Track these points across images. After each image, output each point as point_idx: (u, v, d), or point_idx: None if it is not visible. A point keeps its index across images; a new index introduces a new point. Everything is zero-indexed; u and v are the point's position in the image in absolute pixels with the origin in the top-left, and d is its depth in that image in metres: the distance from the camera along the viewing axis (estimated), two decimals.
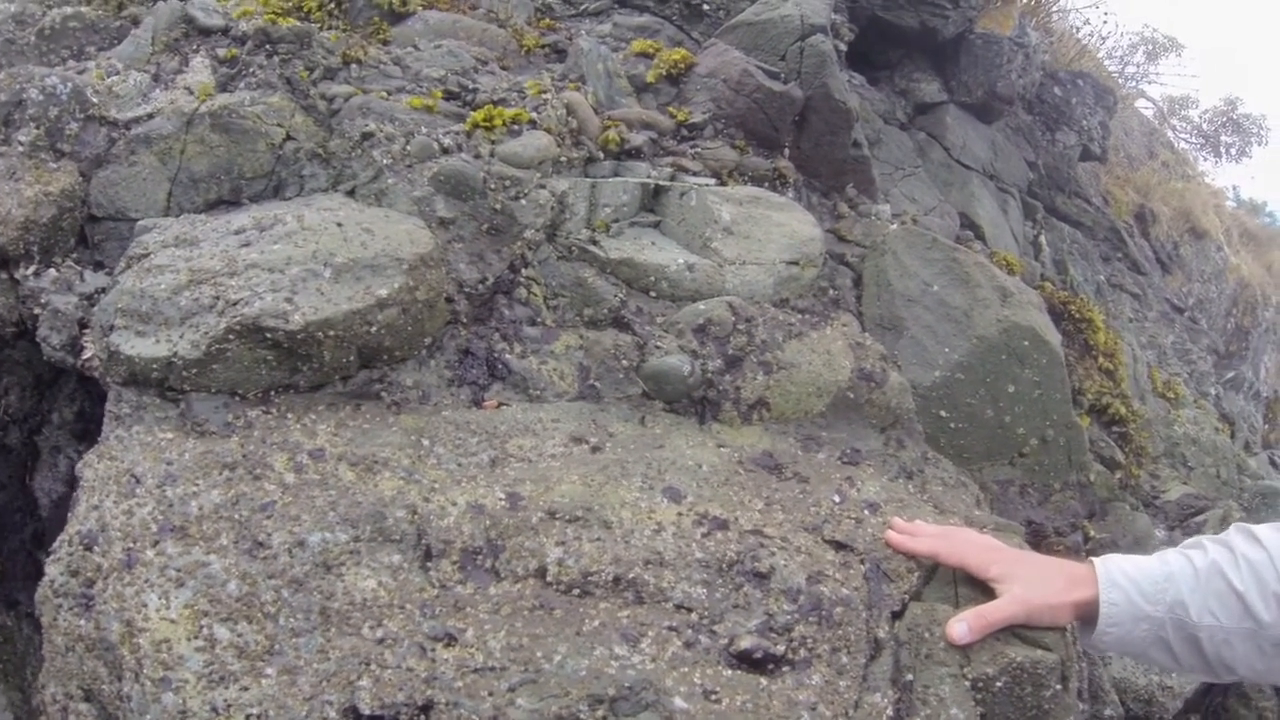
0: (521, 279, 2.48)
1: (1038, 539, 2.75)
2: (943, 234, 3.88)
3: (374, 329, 2.04)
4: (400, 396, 2.18)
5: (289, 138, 2.55)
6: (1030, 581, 1.40)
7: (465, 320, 2.38)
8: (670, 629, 1.49)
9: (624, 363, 2.31)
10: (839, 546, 1.76)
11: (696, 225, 2.65)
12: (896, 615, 1.60)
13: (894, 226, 3.04)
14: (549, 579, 1.62)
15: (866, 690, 1.45)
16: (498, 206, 2.48)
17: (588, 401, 2.27)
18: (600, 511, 1.74)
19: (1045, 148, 5.49)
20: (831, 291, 2.86)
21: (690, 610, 1.55)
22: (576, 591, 1.58)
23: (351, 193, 2.54)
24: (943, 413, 2.68)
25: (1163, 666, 1.57)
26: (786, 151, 3.29)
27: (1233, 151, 13.78)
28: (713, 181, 2.87)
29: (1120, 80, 11.44)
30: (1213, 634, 1.20)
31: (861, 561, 1.70)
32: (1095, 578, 1.31)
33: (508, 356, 2.35)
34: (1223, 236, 11.58)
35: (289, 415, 2.02)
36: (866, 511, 1.91)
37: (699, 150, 3.05)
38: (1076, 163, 5.70)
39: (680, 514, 1.79)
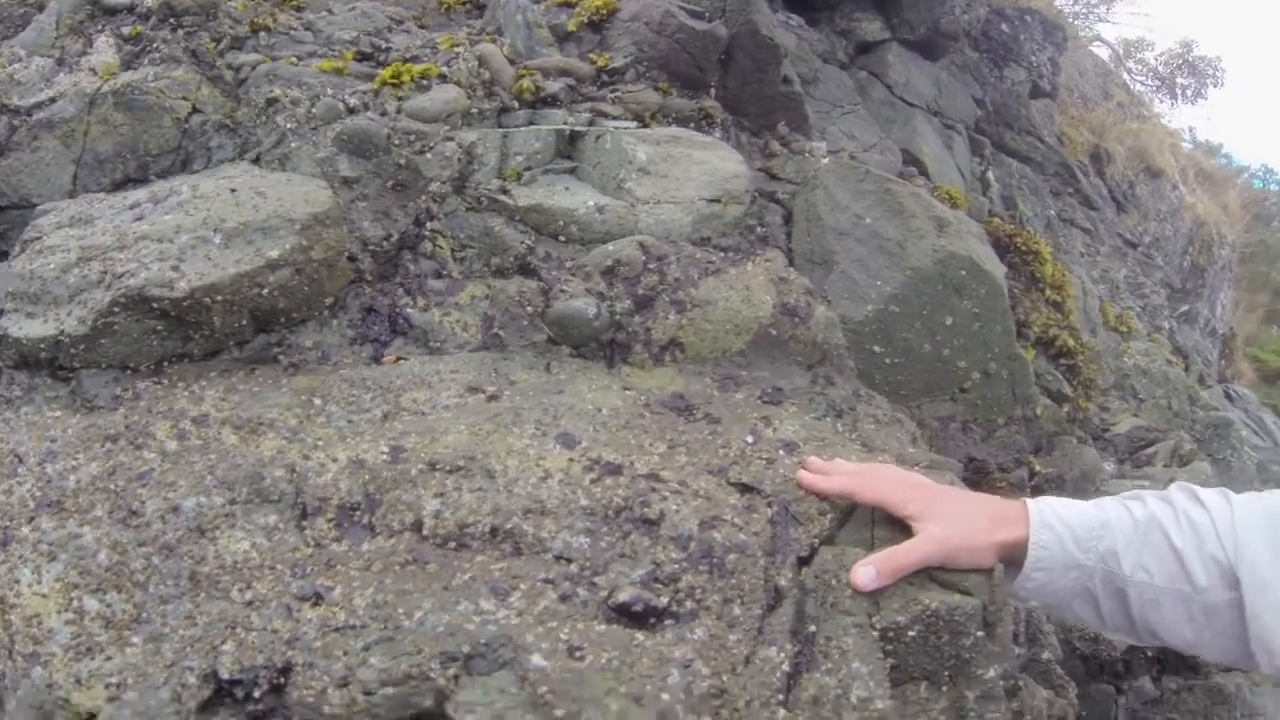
0: (427, 232, 2.38)
1: (980, 476, 2.59)
2: (884, 168, 3.71)
3: (266, 291, 1.97)
4: (299, 358, 2.08)
5: (195, 110, 2.51)
6: (950, 519, 1.25)
7: (370, 278, 2.29)
8: (546, 581, 1.37)
9: (529, 309, 2.19)
10: (745, 489, 1.60)
11: (611, 168, 2.50)
12: (804, 561, 1.44)
13: (826, 160, 2.83)
14: (425, 532, 1.50)
15: (761, 644, 1.29)
16: (402, 162, 2.39)
17: (491, 351, 2.16)
18: (484, 461, 1.62)
19: (993, 84, 5.29)
20: (759, 229, 2.68)
21: (570, 561, 1.42)
22: (453, 545, 1.47)
23: (257, 160, 2.45)
24: (877, 348, 2.50)
25: (1084, 623, 1.38)
26: (713, 91, 3.14)
27: (1189, 93, 13.96)
28: (633, 124, 2.74)
29: (1073, 20, 11.24)
30: (1142, 591, 1.10)
31: (769, 505, 1.54)
32: (1026, 518, 1.19)
33: (410, 311, 2.23)
34: (1178, 176, 11.49)
35: (179, 384, 1.94)
36: (781, 452, 1.75)
37: (619, 95, 2.93)
38: (1027, 99, 5.51)
39: (571, 460, 1.65)
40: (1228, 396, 10.41)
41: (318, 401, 1.94)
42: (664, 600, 1.34)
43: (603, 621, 1.32)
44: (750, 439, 1.81)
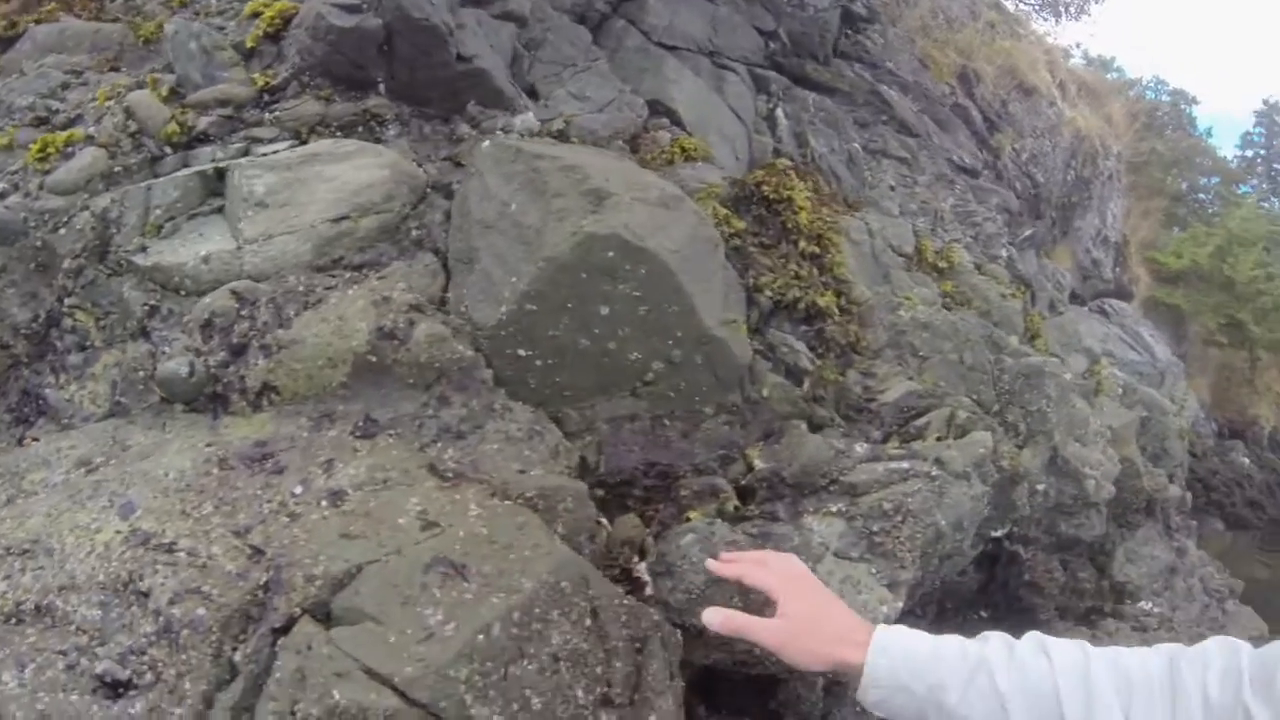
0: (66, 308, 2.40)
1: (667, 481, 2.16)
2: (616, 127, 3.23)
3: None
4: None
5: None
6: (802, 620, 1.34)
7: (26, 360, 2.36)
8: (59, 653, 1.46)
9: (142, 373, 2.21)
10: (255, 552, 1.61)
11: (234, 206, 2.43)
12: (280, 631, 1.46)
13: (485, 143, 2.40)
14: None
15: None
16: (39, 243, 2.44)
17: (116, 418, 2.19)
18: (48, 540, 1.70)
19: (791, 15, 4.81)
20: (416, 232, 2.53)
21: (85, 632, 1.50)
22: (13, 621, 1.56)
23: None
24: (523, 351, 2.10)
25: None
26: (382, 86, 2.92)
27: (1073, 10, 13.37)
28: (285, 146, 2.63)
29: None
30: None
31: (268, 569, 1.55)
32: (868, 643, 1.23)
33: (47, 390, 2.30)
34: (1057, 91, 11.23)
35: None
36: (324, 503, 1.77)
37: (279, 114, 2.78)
38: (835, 27, 5.02)
39: (118, 532, 1.71)
40: (1103, 312, 10.19)
41: None
42: (127, 674, 1.40)
43: (86, 691, 1.39)
44: (299, 489, 1.79)
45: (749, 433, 2.50)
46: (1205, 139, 39.74)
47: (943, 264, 3.79)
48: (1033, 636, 1.17)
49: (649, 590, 2.25)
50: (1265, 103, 44.80)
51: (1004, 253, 5.51)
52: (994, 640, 1.17)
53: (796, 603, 1.35)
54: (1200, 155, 38.37)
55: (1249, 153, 43.69)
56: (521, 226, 2.25)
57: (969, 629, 1.28)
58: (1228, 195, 37.18)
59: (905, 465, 2.40)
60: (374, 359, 2.08)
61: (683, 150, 3.37)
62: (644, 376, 2.33)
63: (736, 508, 2.26)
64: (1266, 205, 37.89)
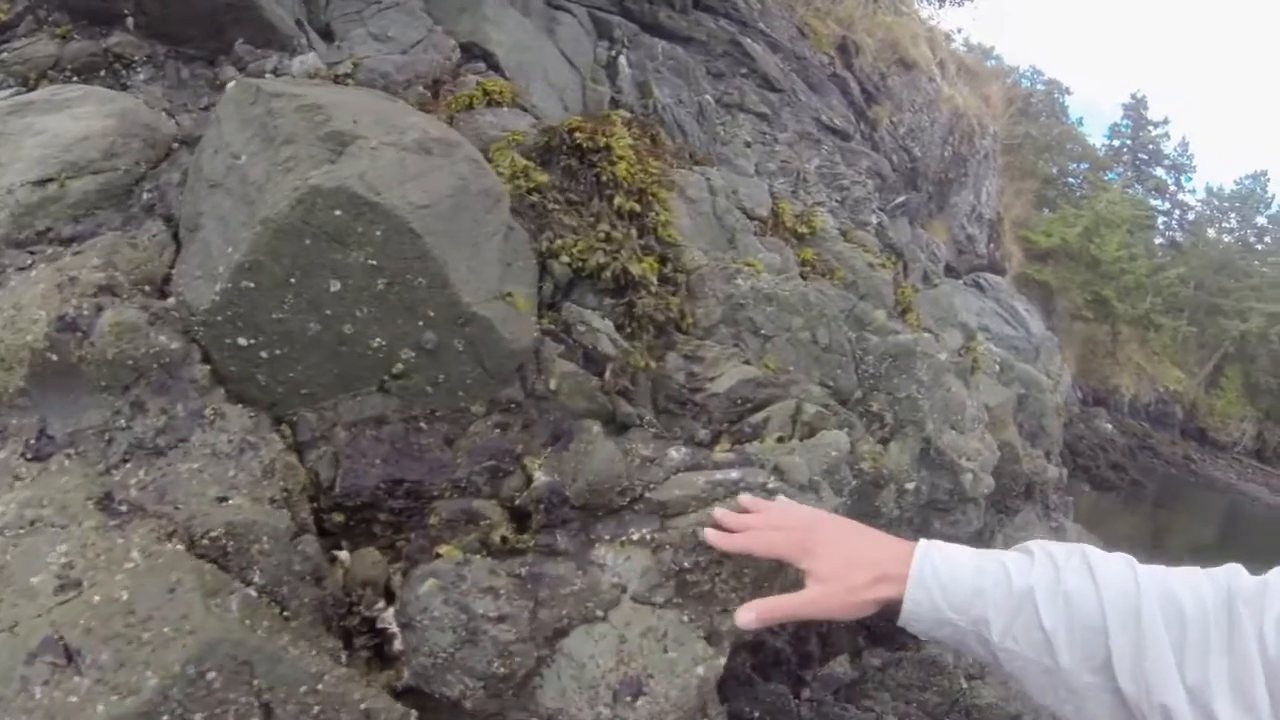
0: None
1: (420, 503, 1.59)
2: (417, 70, 2.64)
3: None
4: None
5: None
6: (834, 575, 1.23)
7: None
8: None
9: None
10: None
11: None
12: None
13: (230, 85, 1.82)
14: None
15: None
16: None
17: None
18: None
19: None
20: (148, 195, 2.02)
21: None
22: None
23: None
24: (243, 340, 1.58)
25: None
26: (130, 21, 2.41)
27: None
28: (4, 95, 2.17)
29: None
30: (1011, 657, 1.07)
31: None
32: (906, 575, 1.15)
33: None
34: (937, 69, 11.05)
35: None
36: None
37: (4, 56, 2.33)
38: None
39: None
40: (978, 286, 10.01)
41: None
42: None
43: None
44: None
45: (532, 437, 1.92)
46: (1076, 127, 41.30)
47: (803, 229, 3.29)
48: (1079, 554, 1.08)
49: (398, 645, 1.67)
50: (1133, 96, 46.85)
51: (874, 219, 5.06)
52: (1039, 562, 1.10)
53: (820, 561, 1.27)
54: (1071, 142, 39.83)
55: (1116, 142, 45.65)
56: (247, 183, 1.65)
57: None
58: (1095, 181, 38.75)
59: (734, 475, 1.85)
60: (55, 357, 1.51)
61: (485, 94, 2.76)
62: (392, 368, 1.72)
63: (505, 538, 1.67)
64: (1131, 191, 39.56)
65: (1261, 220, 46.60)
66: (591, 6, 3.85)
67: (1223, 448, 36.82)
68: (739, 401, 2.20)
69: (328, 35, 2.97)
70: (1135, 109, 44.60)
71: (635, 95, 3.65)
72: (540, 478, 1.83)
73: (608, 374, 2.09)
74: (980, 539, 3.78)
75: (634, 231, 2.39)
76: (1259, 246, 45.97)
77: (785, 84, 4.56)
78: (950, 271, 9.40)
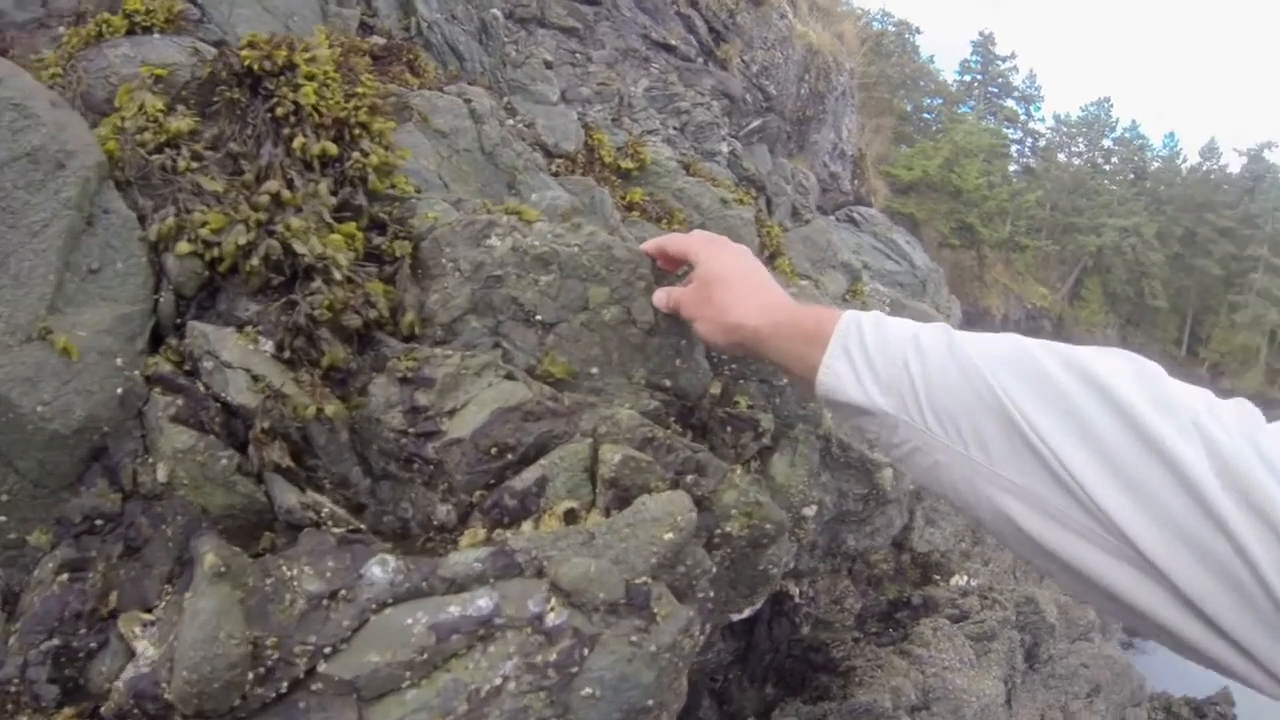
0: None
1: None
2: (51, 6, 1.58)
3: None
4: None
5: None
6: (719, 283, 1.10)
7: None
8: None
9: None
10: None
11: None
12: None
13: None
14: None
15: None
16: None
17: None
18: None
19: None
20: None
21: None
22: None
23: None
24: None
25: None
26: None
27: None
28: None
29: None
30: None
31: None
32: (824, 333, 0.90)
33: None
34: (788, 6, 10.34)
35: None
36: None
37: None
38: None
39: None
40: (852, 220, 9.31)
41: None
42: None
43: None
44: None
45: (139, 576, 0.99)
46: (929, 64, 41.65)
47: (628, 164, 2.36)
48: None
49: None
50: (980, 34, 47.72)
51: (724, 148, 4.16)
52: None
53: (715, 265, 1.13)
54: (924, 79, 40.17)
55: (967, 77, 46.44)
56: None
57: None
58: (950, 115, 39.29)
59: (484, 607, 0.95)
60: None
61: (127, 18, 1.74)
62: None
63: None
64: (985, 122, 40.27)
65: (1107, 143, 48.55)
66: None
67: None
68: (493, 451, 1.25)
69: None
70: (983, 45, 45.41)
71: (397, 14, 2.66)
72: (145, 654, 0.89)
73: (251, 439, 1.13)
74: (905, 537, 3.00)
75: (326, 186, 1.42)
76: (1106, 167, 48.00)
77: None
78: (819, 210, 8.77)
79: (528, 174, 1.82)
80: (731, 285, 1.05)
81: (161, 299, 1.21)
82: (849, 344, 0.85)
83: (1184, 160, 50.73)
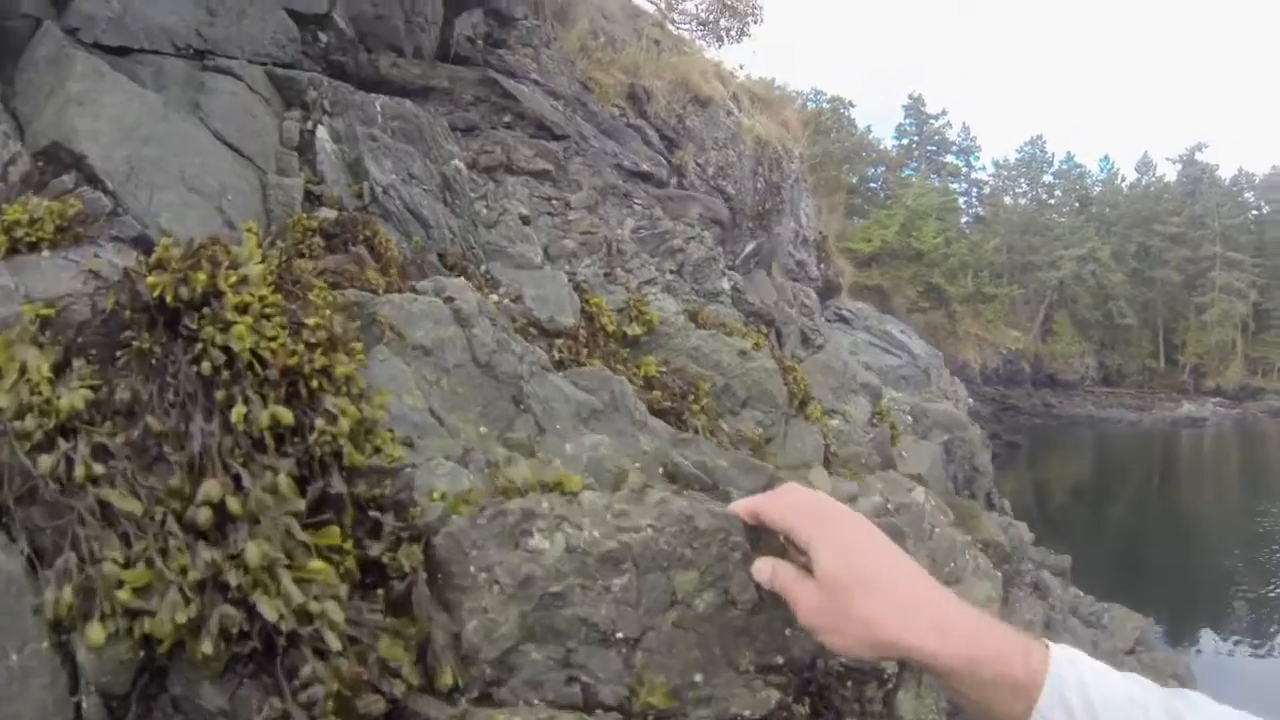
0: None
1: None
2: None
3: None
4: None
5: None
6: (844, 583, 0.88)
7: None
8: None
9: None
10: None
11: None
12: None
13: None
14: None
15: None
16: None
17: None
18: None
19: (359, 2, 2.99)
20: None
21: None
22: None
23: None
24: None
25: None
26: None
27: (733, 34, 13.44)
28: None
29: None
30: None
31: None
32: (1032, 674, 0.77)
33: None
34: (732, 103, 10.43)
35: None
36: None
37: None
38: (440, 10, 3.29)
39: None
40: (842, 319, 9.11)
41: None
42: None
43: None
44: None
45: None
46: (867, 135, 42.73)
47: (634, 329, 2.05)
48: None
49: None
50: (910, 97, 49.25)
51: (725, 284, 3.86)
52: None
53: (840, 561, 0.89)
54: (865, 149, 41.12)
55: (905, 140, 47.70)
56: None
57: None
58: (895, 180, 40.24)
59: None
60: None
61: (8, 233, 1.42)
62: None
63: None
64: (930, 181, 41.25)
65: (1048, 178, 49.93)
66: (275, 63, 2.56)
67: (1073, 385, 38.63)
68: None
69: None
70: (914, 107, 46.84)
71: (345, 178, 2.37)
72: None
73: None
74: None
75: (284, 479, 1.06)
76: (1051, 201, 49.25)
77: (568, 128, 3.35)
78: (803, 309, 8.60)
79: (534, 381, 1.49)
80: (876, 590, 0.86)
81: (85, 704, 0.84)
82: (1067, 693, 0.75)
83: (1123, 179, 52.33)
